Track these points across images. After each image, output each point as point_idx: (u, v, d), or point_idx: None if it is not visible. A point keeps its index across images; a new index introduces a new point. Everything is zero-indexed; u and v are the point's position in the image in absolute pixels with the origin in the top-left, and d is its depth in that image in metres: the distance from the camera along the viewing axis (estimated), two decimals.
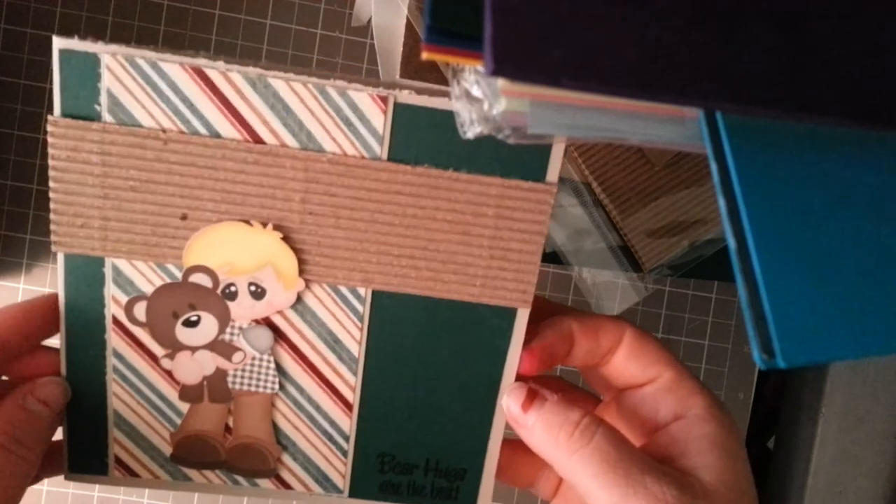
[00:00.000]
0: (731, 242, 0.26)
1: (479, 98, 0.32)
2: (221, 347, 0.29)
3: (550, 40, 0.24)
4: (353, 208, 0.27)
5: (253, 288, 0.28)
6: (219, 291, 0.28)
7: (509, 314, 0.29)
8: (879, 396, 0.46)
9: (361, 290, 0.28)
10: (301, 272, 0.28)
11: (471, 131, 0.34)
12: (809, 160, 0.27)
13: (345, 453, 0.31)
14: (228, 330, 0.29)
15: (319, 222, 0.27)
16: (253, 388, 0.30)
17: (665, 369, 0.29)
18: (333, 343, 0.29)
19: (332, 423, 0.30)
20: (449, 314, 0.29)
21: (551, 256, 0.46)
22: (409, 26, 0.44)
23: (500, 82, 0.28)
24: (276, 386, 0.30)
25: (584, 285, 0.47)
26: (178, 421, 0.30)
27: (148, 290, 0.28)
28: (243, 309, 0.28)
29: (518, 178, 0.27)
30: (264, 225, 0.27)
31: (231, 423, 0.30)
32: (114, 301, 0.28)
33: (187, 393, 0.30)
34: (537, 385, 0.29)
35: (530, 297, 0.29)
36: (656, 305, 0.48)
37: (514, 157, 0.27)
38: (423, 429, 0.30)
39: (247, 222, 0.27)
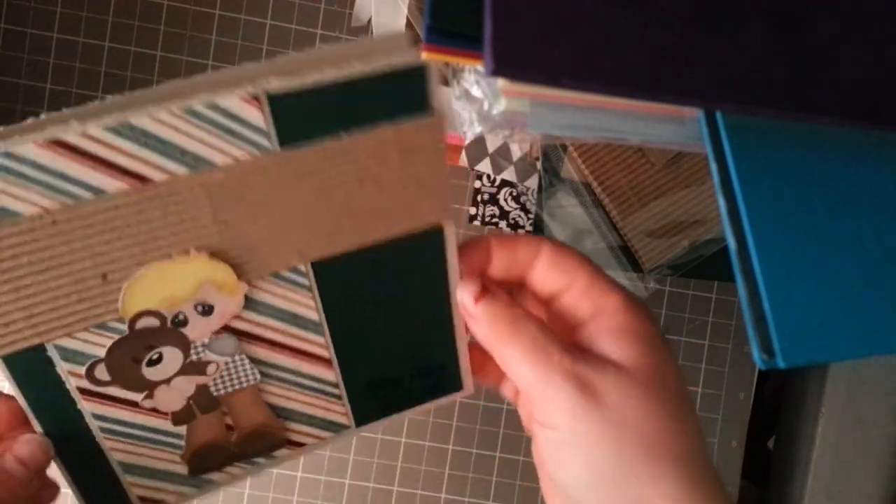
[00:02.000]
0: (731, 242, 0.26)
1: (479, 98, 0.32)
2: (193, 368, 0.29)
3: (550, 40, 0.24)
4: (265, 203, 0.27)
5: (200, 308, 0.28)
6: (169, 325, 0.28)
7: (437, 232, 0.30)
8: (879, 396, 0.46)
9: (302, 266, 0.29)
10: (240, 276, 0.28)
11: (471, 131, 0.34)
12: (809, 160, 0.27)
13: (339, 397, 0.32)
14: (193, 351, 0.29)
15: (237, 228, 0.27)
16: (237, 387, 0.31)
17: (580, 274, 0.30)
18: (293, 320, 0.30)
19: (318, 380, 0.32)
20: (387, 252, 0.30)
21: None
22: (409, 26, 0.44)
23: (500, 82, 0.28)
24: (258, 375, 0.31)
25: None
26: (182, 442, 0.31)
27: (100, 352, 0.28)
28: (198, 329, 0.29)
29: (407, 119, 0.27)
30: (187, 252, 0.27)
31: (230, 421, 0.31)
32: (72, 375, 0.28)
33: (179, 417, 0.30)
34: (488, 280, 0.31)
35: (448, 210, 0.30)
36: (656, 305, 0.48)
37: (398, 100, 0.27)
38: (398, 348, 0.32)
39: (168, 257, 0.27)
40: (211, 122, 0.25)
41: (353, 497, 0.48)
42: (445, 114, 0.28)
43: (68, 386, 0.28)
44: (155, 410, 0.30)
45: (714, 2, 0.26)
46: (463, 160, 0.46)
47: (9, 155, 0.25)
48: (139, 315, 0.28)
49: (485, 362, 0.34)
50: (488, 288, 0.31)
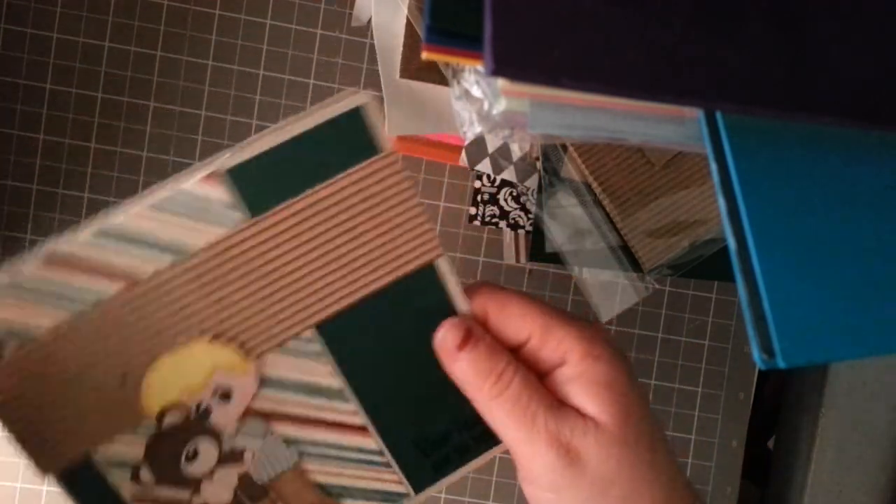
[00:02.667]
0: (731, 242, 0.26)
1: (479, 98, 0.32)
2: (230, 457, 0.30)
3: (550, 40, 0.24)
4: (252, 276, 0.28)
5: (219, 394, 0.29)
6: (193, 416, 0.29)
7: (431, 269, 0.30)
8: (879, 396, 0.46)
9: (306, 333, 0.29)
10: (247, 354, 0.29)
11: (471, 131, 0.34)
12: (809, 160, 0.27)
13: (387, 465, 0.31)
14: (225, 440, 0.29)
15: (232, 305, 0.28)
16: (279, 471, 0.30)
17: (529, 323, 0.30)
18: (315, 391, 0.30)
19: (360, 450, 0.31)
20: (385, 302, 0.30)
21: (551, 256, 0.46)
22: (409, 26, 0.44)
23: (500, 82, 0.28)
24: (295, 456, 0.30)
25: (583, 285, 0.47)
26: None
27: (138, 455, 0.29)
28: (223, 416, 0.29)
29: (360, 163, 0.28)
30: (188, 340, 0.28)
31: None
32: (122, 487, 0.29)
33: None
34: (473, 323, 0.30)
35: (435, 244, 0.30)
36: (656, 305, 0.48)
37: (345, 147, 0.28)
38: (433, 399, 0.31)
39: (172, 347, 0.28)
40: (181, 210, 0.27)
41: None
42: (394, 152, 0.28)
43: (124, 495, 0.29)
44: None
45: (714, 2, 0.26)
46: (463, 160, 0.46)
47: (17, 279, 0.26)
48: (163, 411, 0.28)
49: None
50: (472, 331, 0.30)
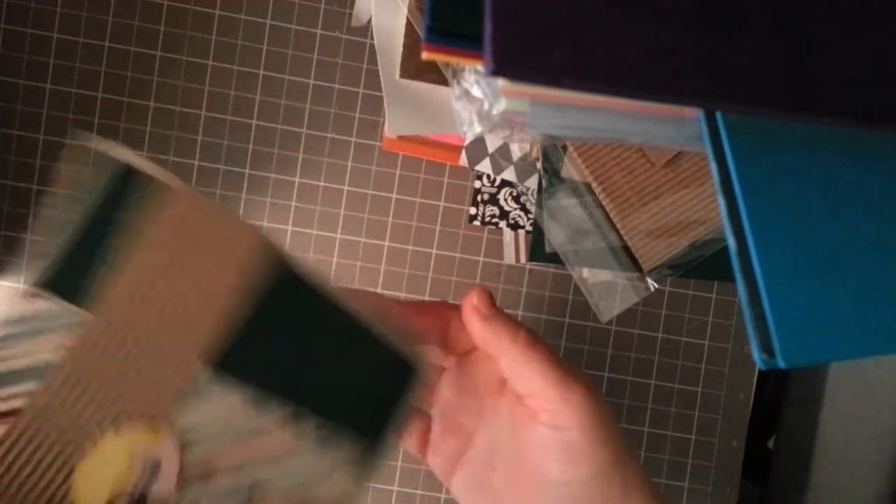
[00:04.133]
0: (731, 242, 0.26)
1: (479, 98, 0.32)
2: None
3: (550, 40, 0.24)
4: (118, 355, 0.29)
5: (147, 471, 0.29)
6: (136, 501, 0.29)
7: (273, 260, 0.30)
8: (879, 396, 0.46)
9: (198, 374, 0.30)
10: (155, 423, 0.29)
11: (470, 131, 0.34)
12: (809, 160, 0.27)
13: (328, 440, 0.32)
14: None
15: (115, 389, 0.29)
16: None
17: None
18: (233, 424, 0.30)
19: (304, 465, 0.32)
20: (253, 309, 0.31)
21: (551, 256, 0.46)
22: (409, 26, 0.44)
23: (500, 82, 0.28)
24: (246, 494, 0.31)
25: (584, 285, 0.47)
26: None
27: None
28: (160, 488, 0.29)
29: (146, 207, 0.29)
30: (94, 442, 0.28)
31: None
32: None
33: None
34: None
35: (259, 234, 0.30)
36: (656, 305, 0.48)
37: (124, 202, 0.29)
38: (348, 367, 0.32)
39: (83, 454, 0.28)
40: (21, 336, 0.28)
41: None
42: (167, 179, 0.29)
43: None
44: None
45: (714, 2, 0.26)
46: (463, 160, 0.46)
47: None
48: None
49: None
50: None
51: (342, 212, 0.46)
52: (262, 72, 0.45)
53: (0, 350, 0.27)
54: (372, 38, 0.45)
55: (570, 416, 0.30)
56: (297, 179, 0.46)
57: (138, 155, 0.29)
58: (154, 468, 0.29)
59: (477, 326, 0.32)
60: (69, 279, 0.28)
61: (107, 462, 0.29)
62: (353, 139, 0.46)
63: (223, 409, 0.30)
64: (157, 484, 0.29)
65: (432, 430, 0.35)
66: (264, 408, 0.31)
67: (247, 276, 0.30)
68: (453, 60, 0.30)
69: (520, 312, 0.47)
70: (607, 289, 0.47)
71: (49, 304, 0.28)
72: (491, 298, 0.32)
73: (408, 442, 0.36)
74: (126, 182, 0.29)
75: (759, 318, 0.25)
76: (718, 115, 0.27)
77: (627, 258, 0.46)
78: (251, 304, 0.30)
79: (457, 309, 0.34)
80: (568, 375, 0.30)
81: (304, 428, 0.31)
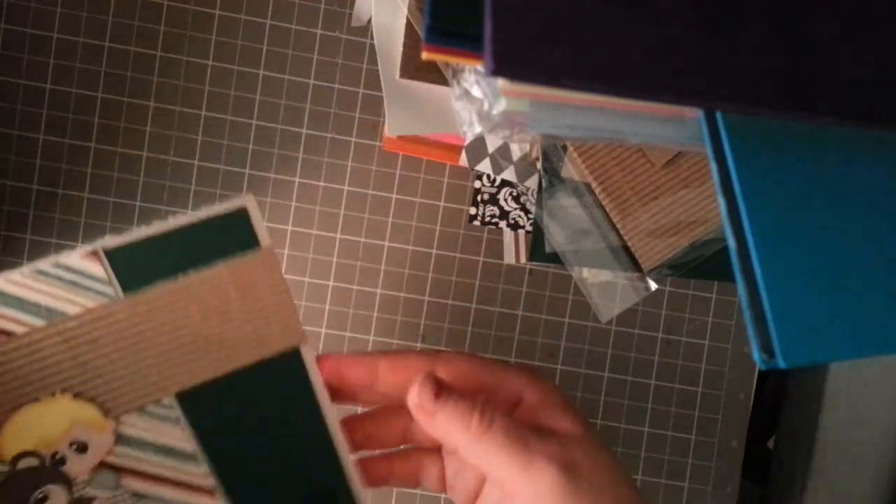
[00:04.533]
0: (731, 242, 0.26)
1: (479, 98, 0.32)
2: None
3: (550, 40, 0.24)
4: (118, 345, 0.30)
5: (75, 446, 0.30)
6: (48, 464, 0.30)
7: (295, 353, 0.32)
8: (879, 396, 0.46)
9: (166, 400, 0.31)
10: (106, 413, 0.30)
11: (470, 131, 0.34)
12: (809, 160, 0.27)
13: None
14: (76, 489, 0.31)
15: (96, 368, 0.30)
16: None
17: (483, 378, 0.32)
18: (168, 452, 0.32)
19: None
20: (248, 379, 0.32)
21: (551, 256, 0.46)
22: (409, 26, 0.44)
23: (500, 82, 0.28)
24: None
25: (584, 285, 0.47)
26: None
27: None
28: (77, 467, 0.31)
29: (238, 256, 0.31)
30: (53, 395, 0.30)
31: None
32: None
33: None
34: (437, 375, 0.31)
35: (299, 333, 0.32)
36: (656, 305, 0.48)
37: (226, 240, 0.31)
38: (283, 475, 0.33)
39: (38, 401, 0.30)
40: (58, 279, 0.29)
41: None
42: (272, 248, 0.31)
43: None
44: None
45: (714, 2, 0.26)
46: (463, 160, 0.46)
47: None
48: (19, 456, 0.30)
49: (392, 469, 0.34)
50: (442, 382, 0.30)
51: (342, 212, 0.46)
52: (262, 72, 0.45)
53: (29, 277, 0.29)
54: (372, 38, 0.45)
55: (544, 497, 0.28)
56: (297, 179, 0.46)
57: (259, 205, 0.31)
58: (82, 447, 0.31)
59: (425, 425, 0.30)
60: (130, 261, 0.30)
61: (48, 418, 0.30)
62: (353, 139, 0.46)
63: (165, 435, 0.32)
64: (77, 460, 0.31)
65: (446, 469, 0.34)
66: (195, 462, 0.32)
67: (264, 358, 0.32)
68: (453, 60, 0.30)
69: (520, 312, 0.47)
70: (607, 289, 0.47)
71: (101, 269, 0.29)
72: (435, 385, 0.30)
73: (426, 481, 0.35)
74: (233, 220, 0.30)
75: (759, 318, 0.25)
76: (718, 115, 0.27)
77: (627, 258, 0.46)
78: (250, 373, 0.32)
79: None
80: (532, 454, 0.28)
81: (217, 497, 0.33)
